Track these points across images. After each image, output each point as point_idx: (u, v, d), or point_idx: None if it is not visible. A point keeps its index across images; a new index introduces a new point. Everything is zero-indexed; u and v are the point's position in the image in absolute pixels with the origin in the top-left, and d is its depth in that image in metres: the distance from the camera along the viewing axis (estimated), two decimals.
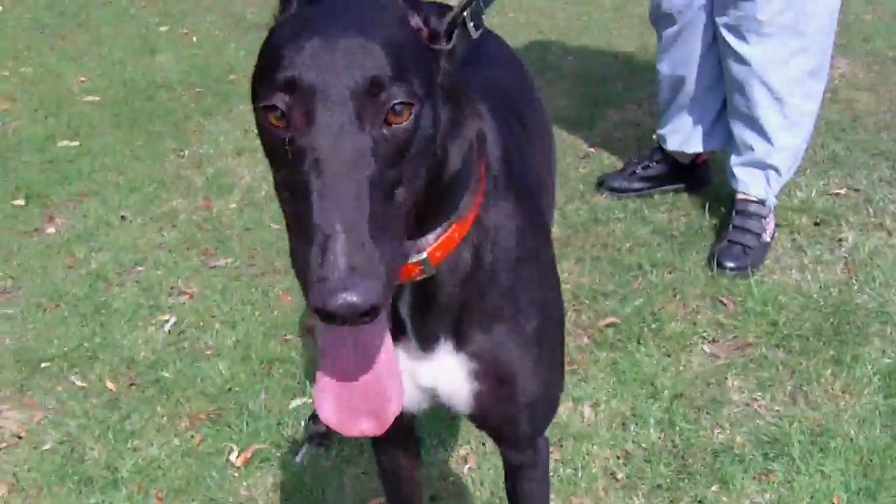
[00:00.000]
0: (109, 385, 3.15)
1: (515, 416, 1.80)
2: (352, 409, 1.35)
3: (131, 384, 3.16)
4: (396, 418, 1.45)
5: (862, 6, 5.95)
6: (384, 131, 1.23)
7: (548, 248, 1.87)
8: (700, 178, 4.02)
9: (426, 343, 1.68)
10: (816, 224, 3.74)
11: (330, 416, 1.34)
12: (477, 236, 1.59)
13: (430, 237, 1.52)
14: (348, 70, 1.22)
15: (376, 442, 2.11)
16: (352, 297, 1.11)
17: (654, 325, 3.23)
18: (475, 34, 1.48)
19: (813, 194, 3.90)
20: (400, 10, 1.37)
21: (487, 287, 1.65)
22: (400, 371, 1.37)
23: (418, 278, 1.54)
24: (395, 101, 1.24)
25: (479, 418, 1.80)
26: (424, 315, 1.65)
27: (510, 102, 2.09)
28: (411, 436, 2.11)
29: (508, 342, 1.72)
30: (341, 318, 1.12)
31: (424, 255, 1.51)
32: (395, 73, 1.24)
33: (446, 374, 1.72)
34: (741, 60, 3.46)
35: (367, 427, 1.35)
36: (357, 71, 1.22)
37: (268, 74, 1.25)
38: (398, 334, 1.66)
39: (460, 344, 1.69)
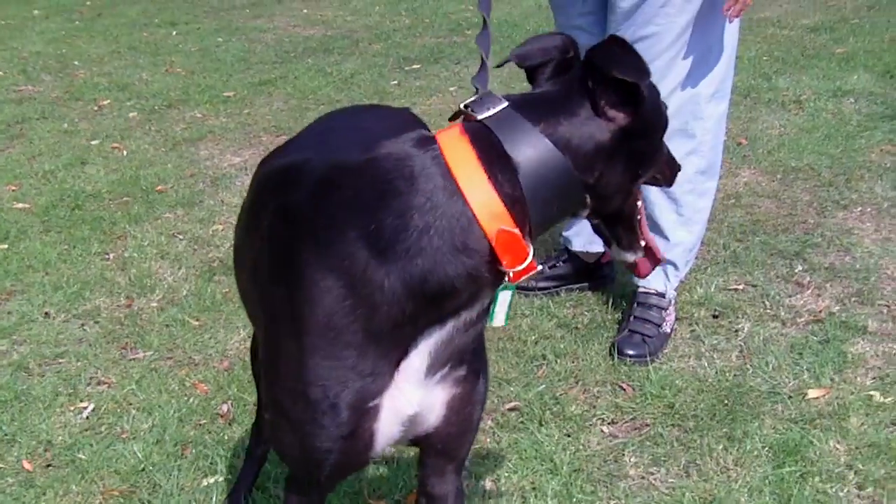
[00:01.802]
0: (26, 465, 3.22)
1: (472, 421, 1.98)
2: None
3: (48, 465, 3.23)
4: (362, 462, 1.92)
5: (769, 121, 6.25)
6: None
7: None
8: (604, 276, 4.21)
9: (434, 368, 1.81)
10: (714, 316, 3.92)
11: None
12: None
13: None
14: None
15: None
16: None
17: (555, 409, 3.37)
18: None
19: (712, 289, 4.10)
20: None
21: None
22: None
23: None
24: None
25: (444, 430, 1.93)
26: (460, 336, 1.78)
27: None
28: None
29: (476, 349, 1.92)
30: None
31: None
32: None
33: (434, 391, 1.86)
34: None
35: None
36: None
37: None
38: (398, 366, 1.77)
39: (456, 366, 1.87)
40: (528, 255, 1.65)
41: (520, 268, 1.65)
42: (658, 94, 1.80)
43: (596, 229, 1.93)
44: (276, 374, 1.88)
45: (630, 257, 1.93)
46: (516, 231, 1.62)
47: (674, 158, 1.97)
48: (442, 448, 2.01)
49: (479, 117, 1.67)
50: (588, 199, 1.74)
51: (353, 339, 1.71)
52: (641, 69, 1.63)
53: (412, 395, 1.81)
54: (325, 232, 1.72)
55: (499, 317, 1.75)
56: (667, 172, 1.94)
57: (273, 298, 1.87)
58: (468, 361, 1.89)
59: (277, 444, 2.03)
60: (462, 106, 1.72)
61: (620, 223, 1.87)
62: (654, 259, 1.99)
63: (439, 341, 1.76)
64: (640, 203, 1.88)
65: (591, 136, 1.67)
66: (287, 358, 1.81)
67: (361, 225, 1.67)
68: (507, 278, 1.68)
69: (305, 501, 2.09)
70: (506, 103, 1.69)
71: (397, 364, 1.76)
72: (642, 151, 1.77)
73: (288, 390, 1.83)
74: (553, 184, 1.66)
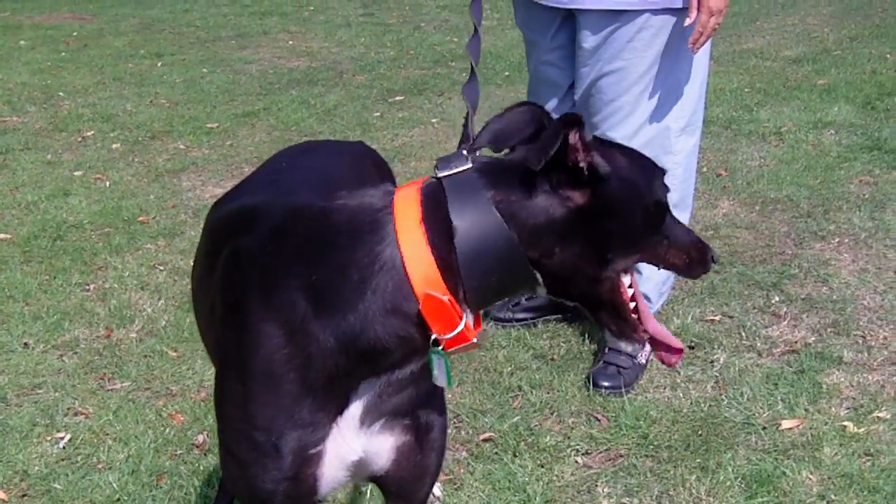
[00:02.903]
0: (1, 495, 3.22)
1: (426, 467, 1.95)
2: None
3: (23, 495, 3.23)
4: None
5: (749, 152, 6.30)
6: None
7: None
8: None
9: (372, 418, 1.81)
10: (690, 347, 3.94)
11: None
12: None
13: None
14: None
15: None
16: None
17: (529, 440, 3.38)
18: None
19: (689, 320, 4.12)
20: None
21: None
22: None
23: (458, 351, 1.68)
24: None
25: (395, 474, 1.92)
26: (394, 391, 1.79)
27: None
28: None
29: (427, 399, 1.90)
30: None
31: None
32: None
33: (377, 438, 1.85)
34: None
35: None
36: None
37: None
38: (338, 415, 1.77)
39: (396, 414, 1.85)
40: (457, 324, 1.62)
41: (449, 336, 1.63)
42: (638, 171, 1.73)
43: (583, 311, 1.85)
44: (224, 415, 1.89)
45: (626, 347, 1.90)
46: (445, 298, 1.60)
47: (701, 243, 1.83)
48: (397, 491, 2.01)
49: (439, 175, 1.66)
50: (539, 277, 1.69)
51: (291, 387, 1.72)
52: (541, 152, 1.58)
53: (354, 443, 1.81)
54: (270, 278, 1.73)
55: (439, 379, 1.71)
56: (678, 261, 1.81)
57: (224, 341, 1.88)
58: (417, 411, 1.88)
59: (228, 482, 2.05)
60: (436, 160, 1.70)
61: (602, 309, 1.76)
62: (675, 350, 1.88)
63: (375, 394, 1.76)
64: (629, 290, 1.77)
65: (543, 211, 1.63)
66: (233, 400, 1.82)
67: (304, 275, 1.68)
68: (438, 345, 1.65)
69: None
70: (469, 165, 1.66)
71: (339, 412, 1.76)
72: (609, 233, 1.67)
73: (234, 431, 1.84)
74: (493, 254, 1.62)
